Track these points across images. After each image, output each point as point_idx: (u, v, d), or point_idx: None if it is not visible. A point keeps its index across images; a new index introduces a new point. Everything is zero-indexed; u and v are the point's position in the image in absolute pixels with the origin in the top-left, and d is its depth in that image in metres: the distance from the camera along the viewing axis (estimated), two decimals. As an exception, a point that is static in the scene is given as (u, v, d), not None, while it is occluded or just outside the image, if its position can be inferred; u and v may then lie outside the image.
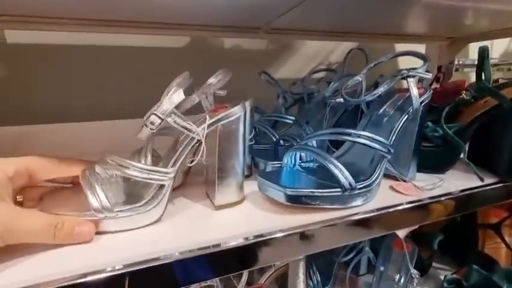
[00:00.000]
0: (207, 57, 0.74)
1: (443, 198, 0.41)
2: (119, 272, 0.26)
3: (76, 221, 0.29)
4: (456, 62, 0.79)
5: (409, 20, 0.66)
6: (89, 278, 0.25)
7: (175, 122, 0.32)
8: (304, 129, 0.51)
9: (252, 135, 0.47)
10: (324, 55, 0.87)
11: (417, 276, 0.52)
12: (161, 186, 0.33)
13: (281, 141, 0.52)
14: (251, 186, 0.42)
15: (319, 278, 0.59)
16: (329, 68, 0.71)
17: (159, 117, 0.31)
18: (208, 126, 0.34)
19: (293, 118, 0.54)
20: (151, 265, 0.27)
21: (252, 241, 0.31)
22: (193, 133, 0.34)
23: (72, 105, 0.66)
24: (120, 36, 0.66)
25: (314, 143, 0.44)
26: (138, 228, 0.32)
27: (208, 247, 0.29)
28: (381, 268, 0.59)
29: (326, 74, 0.70)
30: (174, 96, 0.32)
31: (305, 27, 0.67)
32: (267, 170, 0.45)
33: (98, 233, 0.31)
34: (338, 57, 0.88)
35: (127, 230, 0.32)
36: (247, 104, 0.44)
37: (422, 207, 0.40)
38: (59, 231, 0.28)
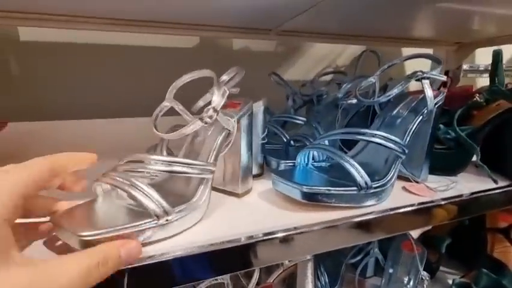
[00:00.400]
0: (216, 57, 0.75)
1: (455, 200, 0.41)
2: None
3: (114, 245, 0.24)
4: (464, 67, 0.79)
5: (417, 25, 0.67)
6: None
7: (219, 116, 0.34)
8: (316, 129, 0.51)
9: (264, 134, 0.47)
10: (332, 58, 0.87)
11: (427, 278, 0.52)
12: (207, 181, 0.33)
13: (292, 142, 0.52)
14: (264, 184, 0.43)
15: (327, 279, 0.59)
16: (338, 70, 0.71)
17: (215, 111, 0.33)
18: (237, 119, 0.37)
19: (304, 119, 0.54)
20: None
21: (263, 238, 0.30)
22: (230, 126, 0.36)
23: (81, 102, 0.66)
24: (131, 36, 0.66)
25: (326, 142, 0.44)
26: (188, 228, 0.31)
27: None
28: (390, 270, 0.59)
29: (335, 75, 0.70)
30: (222, 93, 0.34)
31: (315, 29, 0.67)
32: (280, 168, 0.46)
33: (144, 244, 0.27)
34: (346, 60, 0.88)
35: (179, 233, 0.29)
36: (261, 103, 0.46)
37: (434, 208, 0.40)
38: (104, 266, 0.22)
